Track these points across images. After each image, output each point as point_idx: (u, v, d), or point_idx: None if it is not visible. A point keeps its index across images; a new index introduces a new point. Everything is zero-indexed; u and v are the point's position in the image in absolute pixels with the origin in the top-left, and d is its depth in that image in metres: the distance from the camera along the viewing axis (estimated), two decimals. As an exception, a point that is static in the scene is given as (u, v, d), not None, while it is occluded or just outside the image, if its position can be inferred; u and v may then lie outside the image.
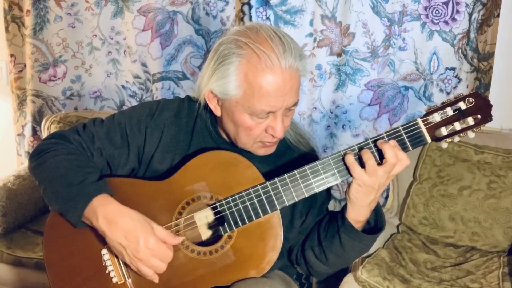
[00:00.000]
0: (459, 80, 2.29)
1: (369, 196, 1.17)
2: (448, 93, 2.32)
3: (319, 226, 1.32)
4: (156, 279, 1.18)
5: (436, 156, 2.16)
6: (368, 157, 1.14)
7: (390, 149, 1.13)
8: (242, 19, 2.41)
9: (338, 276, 1.86)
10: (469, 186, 2.09)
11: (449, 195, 2.11)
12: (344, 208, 1.24)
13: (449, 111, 1.15)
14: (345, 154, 1.17)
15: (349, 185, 1.19)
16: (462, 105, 1.14)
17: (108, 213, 1.16)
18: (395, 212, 2.26)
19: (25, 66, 2.67)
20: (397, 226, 2.20)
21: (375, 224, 1.29)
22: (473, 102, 1.14)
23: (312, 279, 2.41)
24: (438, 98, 2.33)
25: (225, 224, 1.21)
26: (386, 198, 2.37)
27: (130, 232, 1.14)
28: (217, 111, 1.26)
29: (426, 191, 2.14)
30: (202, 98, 1.26)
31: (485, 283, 1.81)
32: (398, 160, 1.14)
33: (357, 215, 1.22)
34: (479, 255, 2.01)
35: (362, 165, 1.15)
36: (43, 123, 2.48)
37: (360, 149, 1.17)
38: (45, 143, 1.30)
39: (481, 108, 1.14)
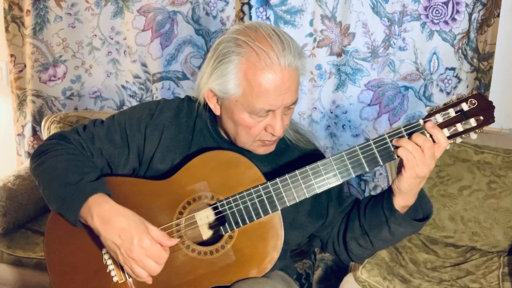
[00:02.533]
0: (459, 80, 2.29)
1: (421, 183, 1.19)
2: (448, 93, 2.32)
3: (359, 217, 1.31)
4: (149, 280, 1.17)
5: (436, 156, 2.16)
6: (424, 139, 1.13)
7: (440, 132, 1.13)
8: (242, 19, 2.41)
9: (338, 276, 1.86)
10: (469, 186, 2.09)
11: (449, 195, 2.11)
12: (387, 198, 1.24)
13: (452, 112, 1.14)
14: (394, 149, 1.16)
15: (398, 179, 1.18)
16: (464, 106, 1.13)
17: (103, 212, 1.15)
18: (395, 212, 2.26)
19: (25, 66, 2.67)
20: (397, 226, 2.20)
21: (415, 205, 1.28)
22: (476, 104, 1.13)
23: (312, 279, 2.41)
24: (438, 98, 2.33)
25: (226, 224, 1.21)
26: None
27: (124, 231, 1.13)
28: (217, 110, 1.26)
29: (426, 191, 2.14)
30: (202, 97, 1.26)
31: (485, 283, 1.82)
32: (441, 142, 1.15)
33: (407, 201, 1.22)
34: (479, 255, 2.01)
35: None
36: (43, 123, 2.48)
37: (410, 133, 1.15)
38: (46, 144, 1.31)
39: (483, 109, 1.13)
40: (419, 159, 1.13)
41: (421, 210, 1.27)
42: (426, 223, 1.28)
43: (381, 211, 1.26)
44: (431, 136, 1.14)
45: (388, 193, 1.24)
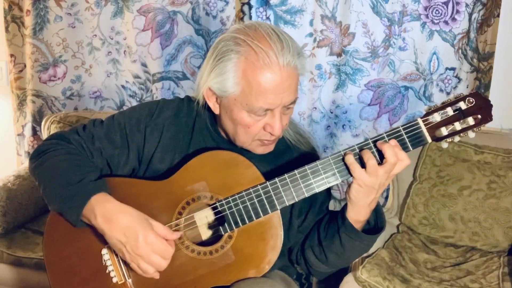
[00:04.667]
0: (459, 80, 2.29)
1: (370, 196, 1.17)
2: (448, 93, 2.32)
3: (319, 226, 1.32)
4: (157, 276, 1.18)
5: (436, 156, 2.16)
6: (369, 157, 1.14)
7: (390, 148, 1.13)
8: (242, 19, 2.41)
9: (338, 276, 1.86)
10: (469, 186, 2.09)
11: (449, 195, 2.11)
12: (344, 208, 1.24)
13: (450, 111, 1.14)
14: (345, 154, 1.17)
15: (349, 185, 1.19)
16: (462, 105, 1.14)
17: (106, 211, 1.16)
18: (395, 212, 2.26)
19: (25, 66, 2.67)
20: (397, 226, 2.20)
21: (375, 224, 1.29)
22: (474, 102, 1.14)
23: (312, 279, 2.41)
24: (438, 98, 2.33)
25: (225, 224, 1.21)
26: (386, 198, 2.37)
27: (129, 229, 1.14)
28: (216, 109, 1.26)
29: (426, 191, 2.14)
30: (201, 96, 1.26)
31: (485, 283, 1.81)
32: (399, 159, 1.14)
33: (357, 215, 1.22)
34: (479, 255, 2.01)
35: (363, 165, 1.15)
36: (43, 123, 2.48)
37: (361, 149, 1.17)
38: (45, 144, 1.31)
39: (481, 108, 1.14)
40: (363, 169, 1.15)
41: (373, 223, 1.28)
42: (376, 238, 1.26)
43: (335, 220, 1.26)
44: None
45: (345, 204, 1.25)
